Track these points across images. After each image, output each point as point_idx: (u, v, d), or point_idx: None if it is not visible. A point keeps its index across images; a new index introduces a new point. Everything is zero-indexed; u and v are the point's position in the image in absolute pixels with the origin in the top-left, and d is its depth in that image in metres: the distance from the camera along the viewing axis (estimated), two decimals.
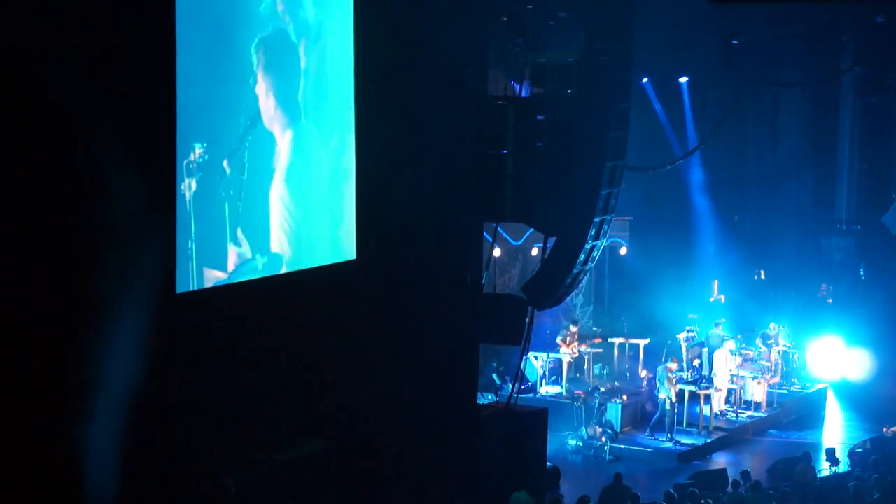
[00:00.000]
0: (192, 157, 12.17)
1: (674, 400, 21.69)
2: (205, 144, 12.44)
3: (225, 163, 12.83)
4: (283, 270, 14.67)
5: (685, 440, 21.48)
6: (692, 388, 22.01)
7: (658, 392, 21.88)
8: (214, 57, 12.84)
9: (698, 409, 21.98)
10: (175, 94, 12.23)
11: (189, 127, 12.14)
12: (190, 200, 12.32)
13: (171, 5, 12.12)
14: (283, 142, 14.22)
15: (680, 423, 21.82)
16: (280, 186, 14.23)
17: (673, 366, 21.96)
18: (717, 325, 24.50)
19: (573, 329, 23.67)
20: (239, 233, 13.53)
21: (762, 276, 28.48)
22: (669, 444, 21.38)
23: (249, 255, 13.87)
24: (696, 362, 22.92)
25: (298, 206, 14.87)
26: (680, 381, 22.33)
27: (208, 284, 13.20)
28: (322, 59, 15.57)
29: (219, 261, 13.40)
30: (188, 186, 12.12)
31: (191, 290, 13.06)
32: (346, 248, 16.85)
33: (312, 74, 15.17)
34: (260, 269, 14.03)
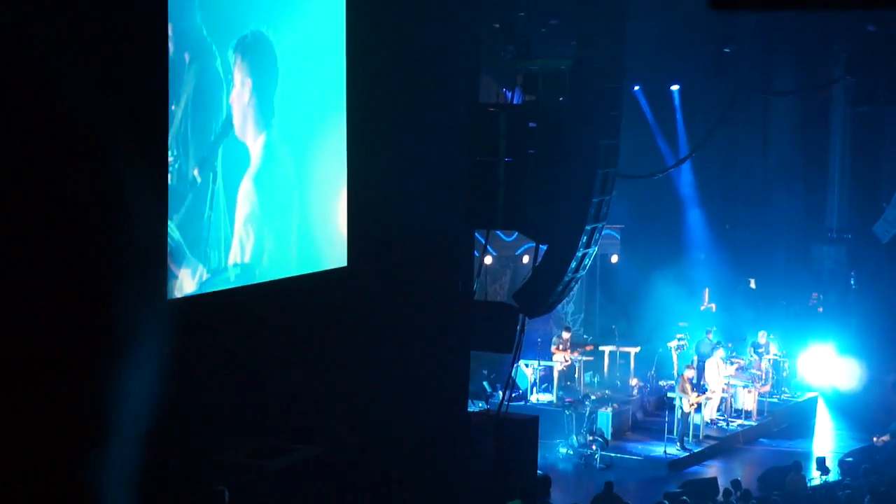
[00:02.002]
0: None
1: (685, 410, 21.63)
2: (175, 152, 12.15)
3: (196, 171, 12.50)
4: (257, 281, 14.37)
5: (671, 449, 21.46)
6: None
7: (674, 400, 21.87)
8: (188, 60, 12.52)
9: (689, 418, 21.96)
10: (167, 99, 12.18)
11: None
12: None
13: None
14: (256, 150, 13.83)
15: (686, 434, 21.77)
16: (252, 196, 13.83)
17: (688, 374, 21.94)
18: (707, 332, 24.51)
19: (565, 336, 23.66)
20: (209, 243, 13.19)
21: (752, 285, 28.47)
22: (676, 451, 21.37)
23: (221, 266, 13.54)
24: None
25: (272, 215, 14.42)
26: (671, 389, 22.38)
27: (177, 295, 12.88)
28: (303, 65, 15.43)
29: (188, 271, 13.17)
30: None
31: (175, 296, 12.89)
32: (335, 255, 16.80)
33: (291, 80, 14.93)
34: (232, 280, 13.70)
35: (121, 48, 10.79)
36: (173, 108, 11.98)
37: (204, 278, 13.16)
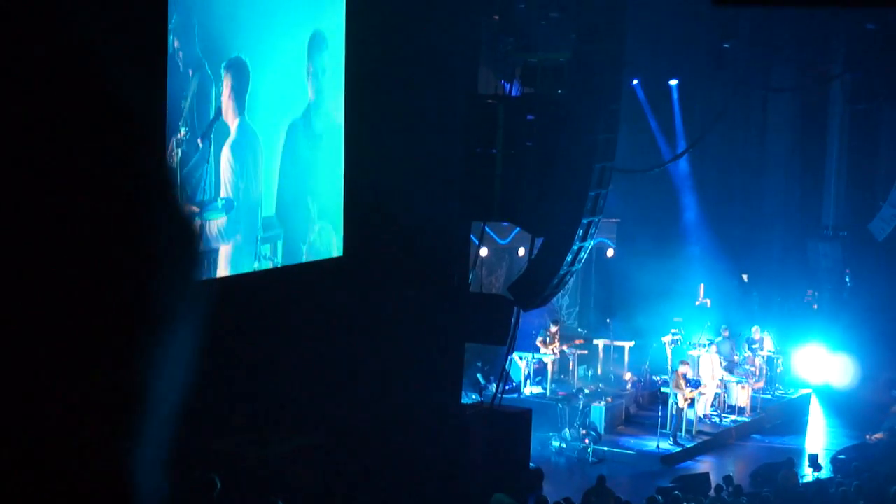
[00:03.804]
0: (178, 136, 15.24)
1: (680, 405, 21.63)
2: (186, 128, 15.32)
3: (199, 140, 15.70)
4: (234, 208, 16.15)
5: (664, 444, 21.48)
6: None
7: (667, 395, 21.86)
8: (191, 74, 15.25)
9: (683, 414, 21.96)
10: (165, 96, 14.03)
11: (177, 116, 15.19)
12: (177, 162, 15.15)
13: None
14: (233, 128, 16.46)
15: (679, 429, 21.78)
16: (230, 158, 16.43)
17: (682, 369, 21.92)
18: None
19: (553, 329, 23.58)
20: (202, 185, 15.83)
21: (745, 279, 28.45)
22: (669, 446, 21.40)
23: (209, 199, 15.90)
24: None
25: (245, 176, 16.69)
26: (665, 384, 22.38)
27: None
28: (271, 76, 16.72)
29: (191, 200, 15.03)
30: (176, 154, 15.22)
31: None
32: (331, 244, 16.85)
33: (260, 87, 16.51)
34: (220, 207, 15.95)
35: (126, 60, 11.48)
36: (183, 103, 15.32)
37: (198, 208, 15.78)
